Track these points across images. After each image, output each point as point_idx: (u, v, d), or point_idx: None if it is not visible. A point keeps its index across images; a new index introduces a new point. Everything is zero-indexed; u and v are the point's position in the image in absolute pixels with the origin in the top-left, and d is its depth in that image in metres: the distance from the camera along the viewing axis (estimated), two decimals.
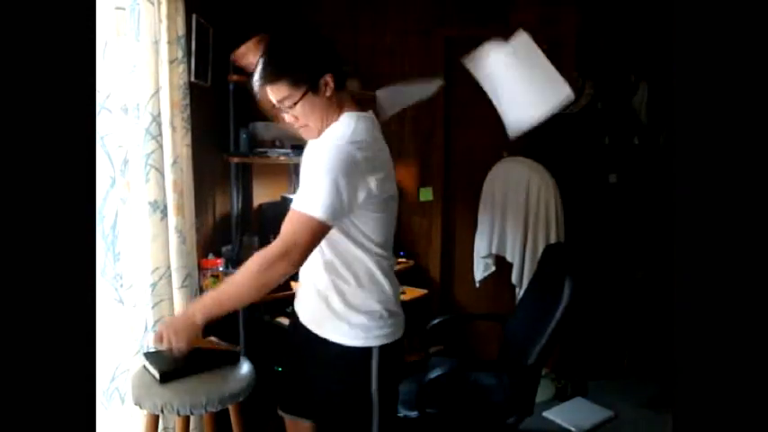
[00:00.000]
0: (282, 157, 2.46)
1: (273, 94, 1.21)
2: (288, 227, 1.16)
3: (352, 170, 1.15)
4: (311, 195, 1.14)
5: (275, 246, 1.16)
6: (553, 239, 2.57)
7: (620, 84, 2.97)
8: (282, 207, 2.36)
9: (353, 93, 2.84)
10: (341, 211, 1.15)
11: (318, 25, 2.78)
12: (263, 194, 2.62)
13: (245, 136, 2.43)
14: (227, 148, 2.44)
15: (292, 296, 2.28)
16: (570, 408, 2.64)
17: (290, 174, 2.71)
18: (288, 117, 1.25)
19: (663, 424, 2.50)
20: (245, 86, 2.41)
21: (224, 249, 2.38)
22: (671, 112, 2.98)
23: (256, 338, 2.28)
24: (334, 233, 1.21)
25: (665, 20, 2.94)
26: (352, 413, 1.32)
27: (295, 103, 1.20)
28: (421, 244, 2.98)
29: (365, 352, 1.28)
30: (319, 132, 1.26)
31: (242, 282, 1.20)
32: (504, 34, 2.46)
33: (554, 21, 2.87)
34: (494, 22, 2.91)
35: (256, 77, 1.22)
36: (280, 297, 2.26)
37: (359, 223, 1.23)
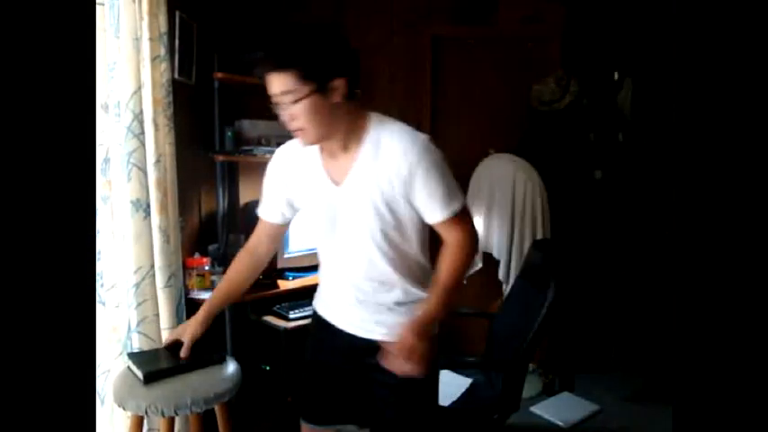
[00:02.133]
0: (269, 155, 2.42)
1: (276, 85, 1.10)
2: (464, 226, 1.23)
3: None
4: (452, 196, 1.19)
5: (470, 240, 1.23)
6: (539, 236, 2.58)
7: (604, 81, 3.00)
8: None
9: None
10: None
11: (301, 21, 2.77)
12: (249, 193, 2.60)
13: (230, 134, 2.41)
14: (213, 147, 2.41)
15: (279, 295, 2.29)
16: (557, 402, 2.66)
17: None
18: (283, 114, 1.14)
19: (647, 416, 2.53)
20: (231, 84, 2.41)
21: (210, 248, 2.36)
22: (655, 108, 3.01)
23: (243, 338, 2.26)
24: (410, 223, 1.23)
25: (648, 17, 2.97)
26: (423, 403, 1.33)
27: (297, 100, 1.10)
28: None
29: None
30: (318, 139, 1.17)
31: (459, 275, 1.22)
32: (491, 33, 2.47)
33: (539, 18, 2.89)
34: (480, 20, 2.91)
35: (263, 60, 1.12)
36: (266, 296, 2.26)
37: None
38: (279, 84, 1.10)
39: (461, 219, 1.22)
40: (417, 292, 1.30)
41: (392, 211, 1.19)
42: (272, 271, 2.31)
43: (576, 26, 2.94)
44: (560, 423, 2.48)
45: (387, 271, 1.26)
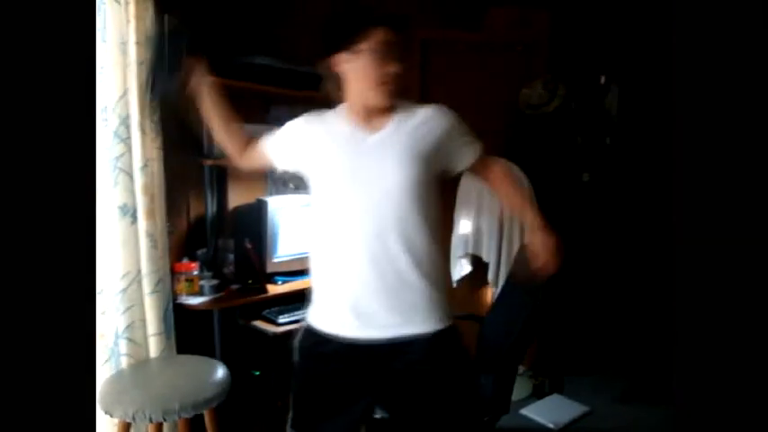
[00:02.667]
0: None
1: (397, 39, 1.25)
2: (495, 158, 1.47)
3: None
4: (476, 137, 1.39)
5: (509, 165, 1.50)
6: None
7: (591, 85, 3.03)
8: (258, 210, 2.33)
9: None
10: None
11: (293, 26, 2.77)
12: (238, 197, 2.58)
13: None
14: (201, 151, 2.40)
15: (268, 300, 2.27)
16: (547, 404, 2.68)
17: (266, 176, 2.68)
18: (386, 66, 1.25)
19: (636, 417, 2.55)
20: (219, 88, 2.40)
21: (199, 253, 2.34)
22: (641, 111, 3.05)
23: (232, 343, 2.25)
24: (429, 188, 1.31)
25: (634, 22, 3.01)
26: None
27: (405, 55, 1.27)
28: None
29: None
30: (398, 93, 1.30)
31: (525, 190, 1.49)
32: (479, 37, 2.44)
33: (527, 23, 2.92)
34: (469, 24, 2.93)
35: (400, 17, 1.29)
36: (255, 301, 2.24)
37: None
38: (399, 38, 1.26)
39: (493, 157, 1.45)
40: (436, 273, 1.28)
41: (422, 162, 1.26)
42: (261, 275, 2.29)
43: (564, 31, 2.97)
44: (550, 425, 2.49)
45: (414, 235, 1.22)
